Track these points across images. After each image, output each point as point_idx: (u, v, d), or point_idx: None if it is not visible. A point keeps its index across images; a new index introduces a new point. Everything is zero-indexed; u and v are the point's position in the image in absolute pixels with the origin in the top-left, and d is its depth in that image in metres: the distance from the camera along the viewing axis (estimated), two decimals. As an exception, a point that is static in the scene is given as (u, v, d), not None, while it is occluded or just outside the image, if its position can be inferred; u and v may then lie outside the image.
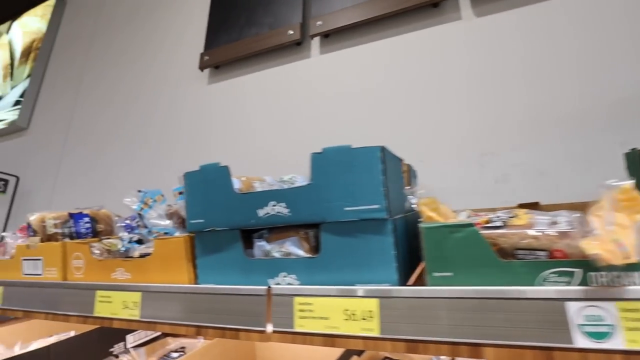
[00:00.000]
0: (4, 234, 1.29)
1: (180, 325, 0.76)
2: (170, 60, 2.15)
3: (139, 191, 1.14)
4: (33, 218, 1.05)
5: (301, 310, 0.66)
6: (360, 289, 0.63)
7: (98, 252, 0.96)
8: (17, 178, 2.35)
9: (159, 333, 1.43)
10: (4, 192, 2.29)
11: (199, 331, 0.74)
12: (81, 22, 2.57)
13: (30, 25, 2.71)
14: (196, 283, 0.80)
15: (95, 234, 1.12)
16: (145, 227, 1.10)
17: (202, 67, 1.95)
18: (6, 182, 2.31)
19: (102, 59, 2.38)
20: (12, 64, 2.70)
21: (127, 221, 1.21)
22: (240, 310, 0.70)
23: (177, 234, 1.05)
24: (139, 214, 1.09)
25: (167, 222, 1.08)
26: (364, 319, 0.61)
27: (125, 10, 2.41)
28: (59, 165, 2.26)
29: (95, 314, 0.87)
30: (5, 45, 2.81)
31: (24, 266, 1.06)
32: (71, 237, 1.08)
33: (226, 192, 0.75)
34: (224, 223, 0.76)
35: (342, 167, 0.67)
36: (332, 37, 1.80)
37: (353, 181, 0.66)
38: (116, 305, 0.85)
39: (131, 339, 1.33)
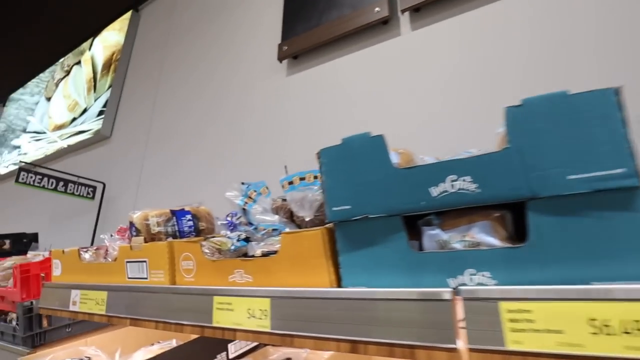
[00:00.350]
0: (102, 236, 1.24)
1: (329, 340, 0.60)
2: (245, 56, 2.08)
3: (242, 183, 1.02)
4: (136, 216, 0.97)
5: (513, 321, 0.47)
6: (614, 288, 0.43)
7: (208, 251, 0.85)
8: (104, 184, 2.41)
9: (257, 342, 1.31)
10: (92, 198, 2.35)
11: (355, 348, 0.58)
12: (155, 29, 2.60)
13: (109, 40, 2.81)
14: (339, 286, 0.64)
15: (198, 232, 1.02)
16: (250, 223, 0.97)
17: (281, 58, 1.85)
18: (94, 188, 2.37)
19: (177, 62, 2.38)
20: (95, 77, 2.81)
21: (229, 218, 1.10)
22: (414, 320, 0.53)
23: (287, 230, 0.91)
24: (243, 209, 0.97)
25: (274, 217, 0.95)
26: (626, 332, 0.42)
27: (196, 12, 2.40)
28: (141, 169, 2.26)
29: (215, 324, 0.74)
30: (89, 60, 2.94)
31: (128, 269, 0.97)
32: (174, 236, 0.98)
33: (383, 169, 0.59)
34: (380, 208, 0.59)
35: (558, 121, 0.48)
36: (424, 10, 1.60)
37: (578, 139, 0.47)
38: (239, 314, 0.71)
39: (232, 349, 1.22)
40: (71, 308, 1.07)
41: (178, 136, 2.23)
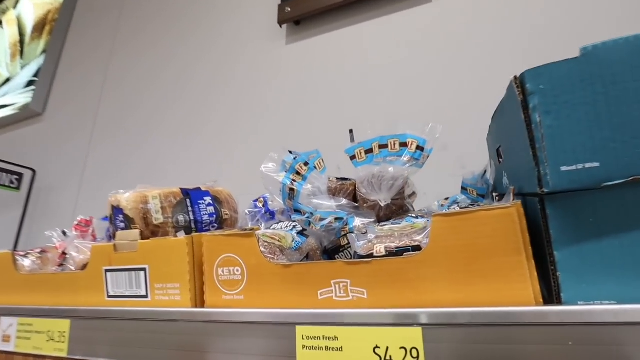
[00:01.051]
0: (48, 233, 0.83)
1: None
2: (234, 17, 1.71)
3: (290, 152, 0.71)
4: (126, 197, 0.60)
5: None
6: None
7: (266, 250, 0.52)
8: (34, 171, 1.87)
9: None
10: (17, 188, 1.80)
11: None
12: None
13: (41, -4, 2.26)
14: (555, 301, 0.37)
15: (221, 223, 0.68)
16: (297, 210, 0.67)
17: (281, 22, 1.52)
18: (20, 176, 1.83)
19: (140, 21, 1.93)
20: (22, 41, 2.23)
21: (259, 204, 0.77)
22: None
23: (357, 221, 0.63)
24: (291, 189, 0.67)
25: (340, 200, 0.67)
26: None
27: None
28: (87, 152, 1.79)
29: (304, 376, 0.42)
30: (13, 21, 2.33)
31: (108, 283, 0.61)
32: (187, 229, 0.63)
33: None
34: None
35: None
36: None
37: None
38: (356, 357, 0.40)
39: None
40: (2, 347, 0.67)
41: (139, 112, 1.79)
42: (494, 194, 0.77)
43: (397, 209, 0.70)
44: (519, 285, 0.38)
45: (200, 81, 1.69)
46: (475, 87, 1.20)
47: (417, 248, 0.43)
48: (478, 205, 0.65)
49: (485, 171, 0.74)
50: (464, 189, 0.74)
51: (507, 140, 0.51)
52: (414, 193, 0.75)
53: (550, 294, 0.38)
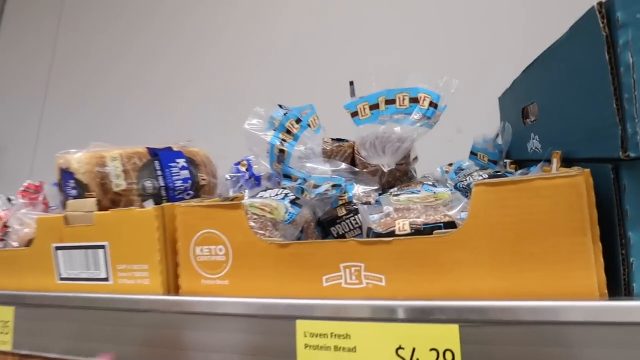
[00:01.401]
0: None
1: None
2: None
3: (280, 107, 0.61)
4: (77, 158, 0.49)
5: None
6: None
7: (256, 225, 0.42)
8: (-19, 131, 1.67)
9: None
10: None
11: None
12: None
13: None
14: (628, 293, 0.29)
15: (197, 190, 0.57)
16: (286, 175, 0.59)
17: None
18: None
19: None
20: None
21: (242, 168, 0.67)
22: None
23: (358, 188, 0.55)
24: (280, 150, 0.57)
25: (328, 166, 0.58)
26: None
27: None
28: (43, 105, 1.59)
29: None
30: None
31: (60, 262, 0.50)
32: (156, 197, 0.52)
33: None
34: None
35: None
36: None
37: None
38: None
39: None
40: None
41: (101, 65, 1.60)
42: (507, 161, 0.69)
43: (401, 175, 0.61)
44: (581, 273, 0.30)
45: (183, 33, 1.50)
46: (480, 43, 1.10)
47: (450, 225, 0.34)
48: (495, 173, 0.57)
49: (497, 134, 0.66)
50: (472, 154, 0.66)
51: (551, 95, 0.42)
52: (416, 157, 0.66)
53: (614, 285, 0.31)
